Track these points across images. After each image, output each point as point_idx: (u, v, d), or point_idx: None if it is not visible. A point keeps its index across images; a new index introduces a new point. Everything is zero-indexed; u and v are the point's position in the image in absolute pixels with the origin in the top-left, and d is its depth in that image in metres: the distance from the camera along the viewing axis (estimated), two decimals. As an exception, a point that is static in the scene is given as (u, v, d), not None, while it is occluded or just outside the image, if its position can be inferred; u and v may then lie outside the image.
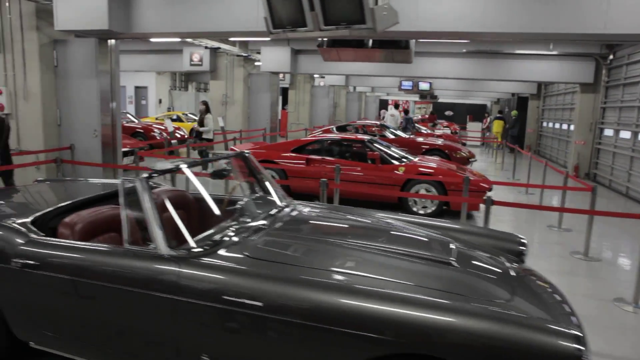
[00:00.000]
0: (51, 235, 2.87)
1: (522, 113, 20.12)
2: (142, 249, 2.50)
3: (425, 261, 2.61)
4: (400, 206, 7.53)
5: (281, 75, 17.92)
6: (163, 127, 14.11)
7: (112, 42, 7.63)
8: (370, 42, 7.61)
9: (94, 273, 2.53)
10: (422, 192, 7.27)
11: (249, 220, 2.95)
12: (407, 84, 19.26)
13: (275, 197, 3.41)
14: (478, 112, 37.17)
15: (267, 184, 3.48)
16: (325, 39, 7.65)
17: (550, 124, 17.77)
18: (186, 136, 14.50)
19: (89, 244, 2.71)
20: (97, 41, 7.49)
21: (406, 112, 17.75)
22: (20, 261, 2.65)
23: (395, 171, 7.39)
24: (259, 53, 14.09)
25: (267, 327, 2.20)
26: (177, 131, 13.89)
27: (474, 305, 2.12)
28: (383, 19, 4.68)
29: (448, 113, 37.77)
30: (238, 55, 14.04)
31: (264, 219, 3.00)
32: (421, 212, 7.23)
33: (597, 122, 12.37)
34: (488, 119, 24.59)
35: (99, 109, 7.65)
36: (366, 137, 8.35)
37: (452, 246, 2.89)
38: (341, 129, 13.26)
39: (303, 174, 7.60)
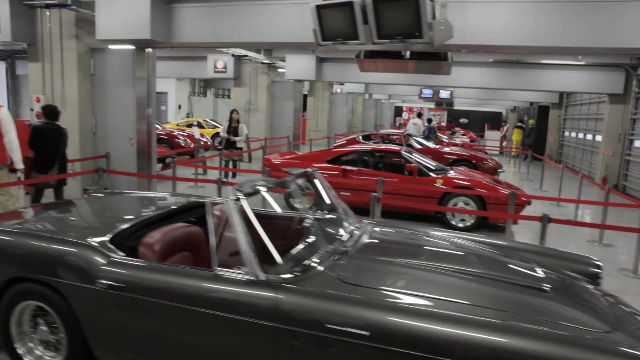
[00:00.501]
0: (130, 254, 2.84)
1: (543, 122, 19.96)
2: (234, 273, 2.44)
3: (519, 287, 2.54)
4: (437, 219, 7.46)
5: (302, 83, 17.89)
6: (186, 134, 14.13)
7: (149, 50, 7.64)
8: (408, 53, 7.54)
9: (181, 296, 2.48)
10: (460, 204, 7.18)
11: (326, 240, 2.89)
12: (427, 92, 19.17)
13: (345, 216, 3.35)
14: (493, 120, 36.96)
15: (336, 202, 3.43)
16: (363, 50, 7.60)
17: (573, 134, 17.58)
18: (209, 143, 14.52)
19: (176, 266, 2.66)
20: (135, 49, 7.51)
21: (429, 120, 17.65)
22: (105, 282, 2.60)
23: (434, 184, 7.31)
24: (282, 60, 14.09)
25: (374, 357, 2.13)
26: (200, 138, 13.90)
27: (584, 338, 2.06)
28: (440, 33, 4.63)
29: (463, 120, 37.59)
30: (262, 63, 14.05)
31: (341, 239, 2.94)
32: (460, 225, 7.14)
33: (626, 133, 12.21)
34: (505, 127, 24.42)
35: (135, 116, 7.66)
36: (402, 148, 8.27)
37: (538, 271, 2.81)
38: (366, 138, 13.20)
39: (340, 186, 7.53)
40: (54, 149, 6.05)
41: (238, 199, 2.53)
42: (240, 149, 10.18)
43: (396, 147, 8.46)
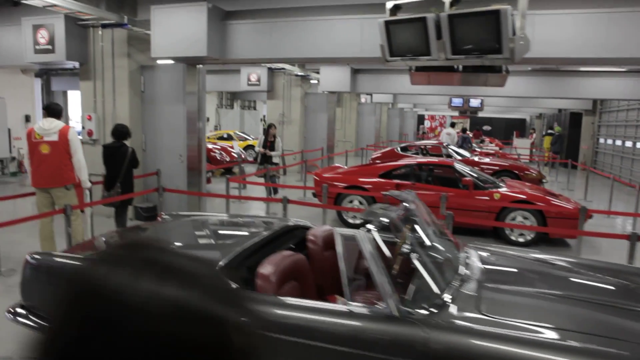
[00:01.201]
0: (242, 285, 2.75)
1: (575, 129, 19.63)
2: (371, 309, 2.34)
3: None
4: (493, 233, 7.30)
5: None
6: (220, 147, 14.14)
7: (200, 66, 7.65)
8: (461, 66, 7.44)
9: (315, 335, 2.38)
10: (519, 219, 7.02)
11: (444, 270, 2.79)
12: (457, 101, 19.00)
13: (449, 241, 3.24)
14: (518, 127, 36.53)
15: (438, 225, 3.32)
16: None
17: (610, 141, 17.23)
18: (243, 156, 14.50)
19: (306, 301, 2.57)
20: (186, 66, 7.52)
21: (463, 130, 17.46)
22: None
23: (487, 197, 7.15)
24: (316, 72, 14.08)
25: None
26: (241, 152, 13.91)
27: None
28: (520, 47, 4.52)
29: (486, 128, 37.21)
30: (296, 75, 14.05)
31: (457, 267, 2.83)
32: (520, 239, 6.97)
33: (672, 141, 11.90)
34: (534, 135, 24.08)
35: (186, 132, 7.64)
36: (454, 161, 8.14)
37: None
38: (404, 149, 13.07)
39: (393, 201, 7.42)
40: (116, 168, 6.09)
41: (369, 230, 2.44)
42: (277, 164, 10.08)
43: (448, 160, 8.33)
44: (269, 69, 13.72)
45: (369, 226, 2.46)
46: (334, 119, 14.84)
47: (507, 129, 37.13)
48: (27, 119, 13.59)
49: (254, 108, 26.39)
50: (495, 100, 20.03)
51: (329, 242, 3.39)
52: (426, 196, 7.12)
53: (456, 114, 33.95)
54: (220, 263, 2.78)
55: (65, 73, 18.66)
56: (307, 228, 3.75)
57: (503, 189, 7.37)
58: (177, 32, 6.71)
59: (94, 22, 7.44)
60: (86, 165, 5.52)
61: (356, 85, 14.09)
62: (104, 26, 7.23)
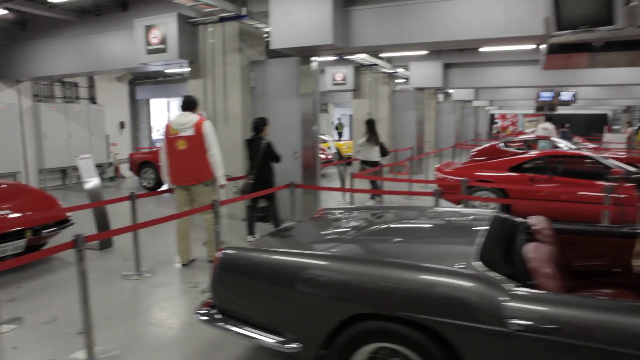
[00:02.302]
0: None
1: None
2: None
3: None
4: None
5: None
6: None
7: (314, 58, 7.31)
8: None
9: (621, 338, 1.86)
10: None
11: None
12: (546, 95, 17.87)
13: None
14: (598, 123, 34.24)
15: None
16: (550, 45, 6.83)
17: None
18: (330, 157, 14.16)
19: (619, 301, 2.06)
20: (299, 59, 7.20)
21: (562, 125, 16.31)
22: (520, 322, 2.03)
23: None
24: (405, 68, 13.53)
25: None
26: (327, 152, 13.59)
27: None
28: None
29: (566, 125, 35.05)
30: (383, 72, 13.56)
31: None
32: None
33: None
34: (629, 129, 22.28)
35: (300, 128, 7.31)
36: (589, 152, 7.36)
37: None
38: (505, 144, 12.26)
39: (529, 195, 6.75)
40: (251, 160, 6.11)
41: None
42: (377, 163, 9.49)
43: (584, 152, 7.55)
44: (355, 67, 13.33)
45: None
46: (423, 117, 14.21)
47: (586, 126, 34.87)
48: (122, 125, 13.89)
49: (326, 111, 26.13)
50: (586, 92, 18.69)
51: (551, 233, 2.90)
52: (568, 188, 6.44)
53: (531, 111, 32.29)
54: (478, 263, 2.32)
55: (149, 82, 19.21)
56: (508, 219, 3.26)
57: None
58: (299, 22, 6.39)
59: (205, 18, 7.30)
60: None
61: (448, 81, 13.42)
62: (221, 19, 7.04)
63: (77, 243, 3.08)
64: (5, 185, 5.75)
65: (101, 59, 9.18)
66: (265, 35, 7.76)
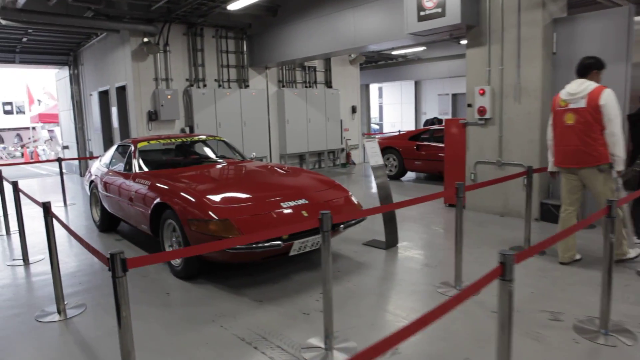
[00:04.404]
0: None
1: None
2: None
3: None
4: None
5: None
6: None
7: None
8: None
9: None
10: None
11: None
12: None
13: None
14: None
15: None
16: None
17: None
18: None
19: None
20: (631, 9, 5.30)
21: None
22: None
23: None
24: None
25: None
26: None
27: None
28: None
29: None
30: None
31: None
32: None
33: None
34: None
35: (627, 100, 5.41)
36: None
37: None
38: None
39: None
40: (635, 143, 4.77)
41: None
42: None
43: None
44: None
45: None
46: None
47: None
48: (354, 109, 13.44)
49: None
50: None
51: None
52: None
53: None
54: None
55: (369, 67, 18.71)
56: None
57: None
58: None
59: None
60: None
61: None
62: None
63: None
64: (319, 179, 5.06)
65: (357, 36, 8.49)
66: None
